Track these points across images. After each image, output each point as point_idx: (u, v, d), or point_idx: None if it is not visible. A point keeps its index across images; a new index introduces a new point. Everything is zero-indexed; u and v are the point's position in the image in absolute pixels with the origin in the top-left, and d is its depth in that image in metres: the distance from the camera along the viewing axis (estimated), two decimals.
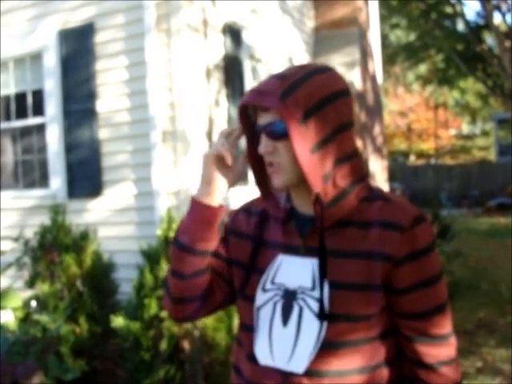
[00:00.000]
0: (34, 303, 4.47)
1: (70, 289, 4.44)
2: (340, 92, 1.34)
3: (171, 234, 4.09)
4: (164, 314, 3.82)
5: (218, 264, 1.53)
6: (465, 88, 27.82)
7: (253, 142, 1.43)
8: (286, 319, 1.36)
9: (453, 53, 18.93)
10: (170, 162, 5.33)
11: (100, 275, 4.60)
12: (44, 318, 3.92)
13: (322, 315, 1.31)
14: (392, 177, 18.68)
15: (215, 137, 5.85)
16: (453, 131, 38.63)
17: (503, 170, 21.71)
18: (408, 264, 1.32)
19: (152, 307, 3.86)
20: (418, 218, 1.33)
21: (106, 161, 5.54)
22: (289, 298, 1.36)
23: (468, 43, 18.85)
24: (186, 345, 3.89)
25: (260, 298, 1.41)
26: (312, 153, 1.29)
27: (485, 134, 36.70)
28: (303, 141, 1.29)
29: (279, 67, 7.57)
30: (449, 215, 11.41)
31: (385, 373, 1.37)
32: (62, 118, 5.71)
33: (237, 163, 1.44)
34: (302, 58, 8.37)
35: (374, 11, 11.22)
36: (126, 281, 4.86)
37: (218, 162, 1.41)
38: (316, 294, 1.33)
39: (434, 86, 28.23)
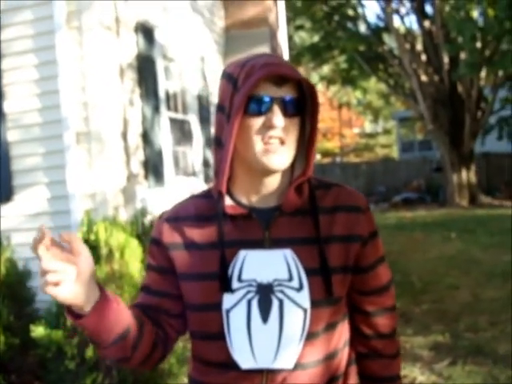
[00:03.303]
0: None
1: None
2: None
3: (92, 237, 3.95)
4: None
5: (160, 302, 1.41)
6: (367, 88, 28.77)
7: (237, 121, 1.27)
8: (265, 315, 1.29)
9: (355, 53, 19.53)
10: (84, 163, 5.15)
11: (15, 283, 4.37)
12: None
13: (329, 292, 1.31)
14: None
15: (130, 137, 5.72)
16: (356, 130, 39.84)
17: (406, 167, 22.60)
18: (370, 243, 1.39)
19: None
20: (367, 201, 1.43)
21: (17, 164, 5.29)
22: (265, 292, 1.30)
23: (370, 44, 19.51)
24: None
25: (228, 299, 1.30)
26: None
27: (387, 132, 38.09)
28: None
29: (192, 67, 7.51)
30: None
31: (346, 352, 1.42)
32: None
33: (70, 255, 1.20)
34: (214, 57, 8.34)
35: (281, 12, 11.36)
36: None
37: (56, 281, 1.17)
38: (295, 284, 1.29)
39: (337, 86, 29.01)
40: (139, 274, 3.98)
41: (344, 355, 1.40)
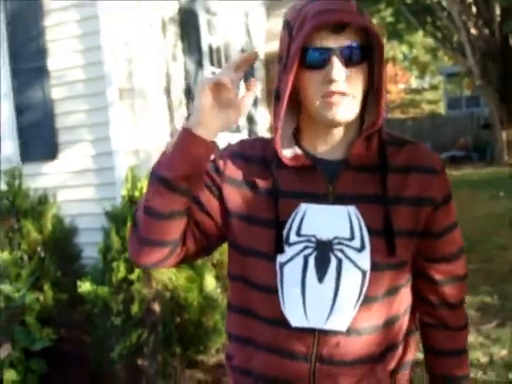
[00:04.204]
0: None
1: (31, 256, 4.25)
2: None
3: (136, 194, 3.94)
4: (133, 276, 3.69)
5: (198, 212, 1.30)
6: (414, 42, 27.99)
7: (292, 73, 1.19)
8: (322, 274, 1.21)
9: (402, 6, 18.93)
10: (128, 120, 5.11)
11: (62, 240, 4.42)
12: (7, 288, 3.74)
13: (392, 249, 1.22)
14: None
15: (173, 93, 5.66)
16: (402, 86, 38.99)
17: (453, 123, 22.06)
18: (443, 207, 1.29)
19: (120, 270, 3.72)
20: (442, 162, 1.31)
21: (61, 121, 5.28)
22: (323, 250, 1.22)
23: None
24: (156, 307, 3.78)
25: (284, 252, 1.23)
26: None
27: (433, 87, 37.13)
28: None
29: (235, 21, 7.36)
30: None
31: (406, 319, 1.33)
32: (10, 77, 5.40)
33: (240, 97, 1.20)
34: (258, 11, 8.15)
35: None
36: (88, 245, 4.68)
37: (217, 90, 1.16)
38: (356, 243, 1.21)
39: (383, 41, 28.29)
40: None
41: (404, 322, 1.32)
